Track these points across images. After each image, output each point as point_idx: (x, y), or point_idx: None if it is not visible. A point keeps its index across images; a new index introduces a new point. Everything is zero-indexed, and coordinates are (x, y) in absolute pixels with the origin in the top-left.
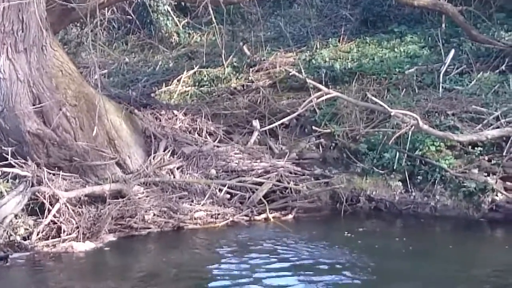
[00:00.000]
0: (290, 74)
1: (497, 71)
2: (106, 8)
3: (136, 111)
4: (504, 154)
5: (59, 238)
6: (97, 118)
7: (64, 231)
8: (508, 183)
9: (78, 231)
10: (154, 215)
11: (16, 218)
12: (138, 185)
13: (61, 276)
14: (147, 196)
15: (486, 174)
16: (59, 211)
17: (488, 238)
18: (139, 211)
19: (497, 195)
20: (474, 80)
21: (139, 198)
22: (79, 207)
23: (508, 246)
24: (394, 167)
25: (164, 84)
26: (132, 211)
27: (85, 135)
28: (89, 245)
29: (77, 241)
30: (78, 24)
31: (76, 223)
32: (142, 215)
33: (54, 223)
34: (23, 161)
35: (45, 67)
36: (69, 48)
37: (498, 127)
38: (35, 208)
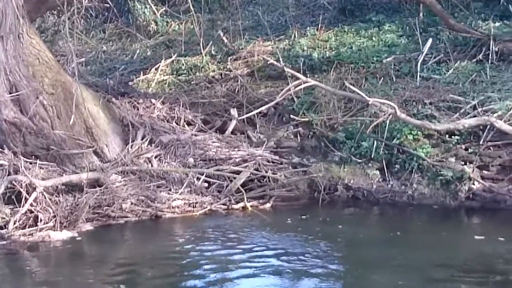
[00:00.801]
0: (268, 62)
1: (474, 60)
2: None
3: (113, 99)
4: (481, 143)
5: (36, 227)
6: (74, 107)
7: (41, 220)
8: (484, 171)
9: (55, 220)
10: (132, 204)
11: None
12: (116, 174)
13: (38, 265)
14: (124, 185)
15: (463, 162)
16: (36, 200)
17: (464, 226)
18: (117, 200)
19: (474, 184)
20: (452, 69)
21: (116, 187)
22: (56, 196)
23: (482, 234)
24: (372, 156)
25: (142, 72)
26: (110, 200)
27: (62, 124)
28: (66, 234)
29: (54, 230)
30: (55, 12)
31: (53, 212)
32: (119, 204)
33: (31, 212)
34: (0, 149)
35: (21, 55)
36: (46, 36)
37: (475, 116)
38: (12, 197)
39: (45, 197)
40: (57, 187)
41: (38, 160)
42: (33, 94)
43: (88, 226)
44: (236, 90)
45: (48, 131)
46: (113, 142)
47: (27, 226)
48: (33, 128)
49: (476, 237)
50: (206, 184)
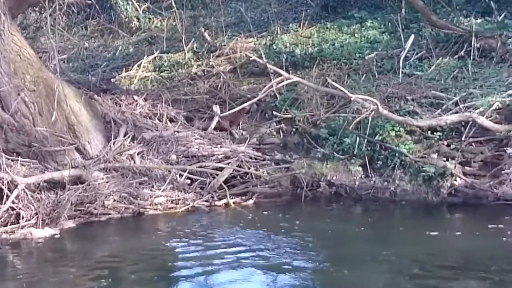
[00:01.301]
0: (251, 59)
1: (456, 56)
2: None
3: (95, 96)
4: (463, 139)
5: (18, 225)
6: (56, 104)
7: (23, 217)
8: (466, 167)
9: (37, 217)
10: (114, 200)
11: None
12: (98, 170)
13: (20, 262)
14: (107, 182)
15: (445, 159)
16: (17, 197)
17: (446, 222)
18: (99, 197)
19: (455, 180)
20: (434, 66)
21: (99, 184)
22: (38, 193)
23: (464, 231)
24: (354, 152)
25: (124, 69)
26: (92, 197)
27: (44, 121)
28: (48, 232)
29: (36, 228)
30: (36, 9)
31: (35, 209)
32: (102, 201)
33: (13, 209)
34: None
35: (3, 52)
36: (28, 32)
37: (457, 112)
38: None
39: (27, 194)
40: (39, 184)
41: (19, 157)
42: (15, 91)
43: (70, 223)
44: (219, 86)
45: (29, 128)
46: (95, 139)
47: (8, 223)
48: (14, 125)
49: (430, 233)
50: (189, 181)
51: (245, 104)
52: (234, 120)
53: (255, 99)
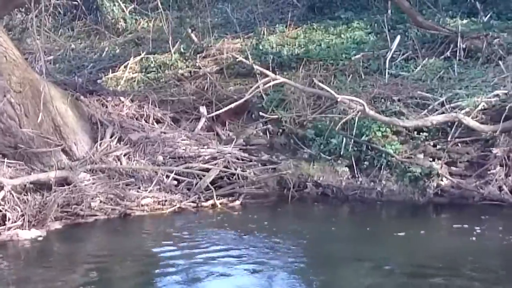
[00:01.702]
0: (237, 60)
1: (442, 57)
2: None
3: (82, 97)
4: (449, 139)
5: (4, 226)
6: (42, 105)
7: (9, 219)
8: (453, 168)
9: (24, 219)
10: (101, 202)
11: None
12: (84, 172)
13: (6, 264)
14: (93, 183)
15: (431, 159)
16: (4, 199)
17: (432, 223)
18: (85, 198)
19: (442, 180)
20: (420, 66)
21: (85, 185)
22: (24, 195)
23: (450, 231)
24: (341, 153)
25: (110, 70)
26: (78, 198)
27: (30, 122)
28: (34, 233)
29: (22, 229)
30: (22, 10)
31: (22, 211)
32: (88, 202)
33: None
34: None
35: None
36: (14, 34)
37: (443, 113)
38: None
39: (13, 196)
40: (25, 185)
41: (5, 158)
42: (0, 92)
43: (57, 225)
44: (205, 87)
45: (15, 129)
46: (81, 140)
47: None
48: (0, 127)
49: (397, 234)
50: (176, 182)
51: (232, 105)
52: (240, 112)
53: (241, 100)
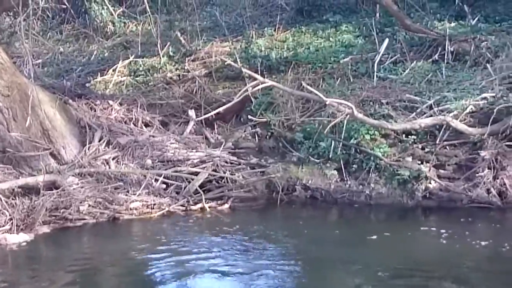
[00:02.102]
0: (226, 63)
1: (430, 60)
2: None
3: (70, 101)
4: (437, 142)
5: None
6: (30, 109)
7: None
8: (441, 170)
9: (12, 223)
10: (89, 206)
11: None
12: (73, 176)
13: None
14: (82, 187)
15: (419, 162)
16: None
17: (421, 226)
18: (74, 202)
19: (430, 183)
20: (408, 69)
21: (73, 189)
22: (12, 199)
23: (437, 233)
24: (330, 156)
25: (99, 74)
26: (67, 202)
27: (19, 126)
28: (23, 237)
29: (10, 233)
30: (11, 13)
31: (10, 215)
32: (77, 206)
33: None
34: None
35: None
36: (2, 37)
37: (431, 116)
38: None
39: (1, 200)
40: (13, 189)
41: None
42: None
43: (45, 229)
44: (194, 91)
45: (4, 133)
46: (70, 144)
47: None
48: None
49: (384, 236)
50: (164, 186)
51: (221, 109)
52: (241, 107)
53: (230, 103)
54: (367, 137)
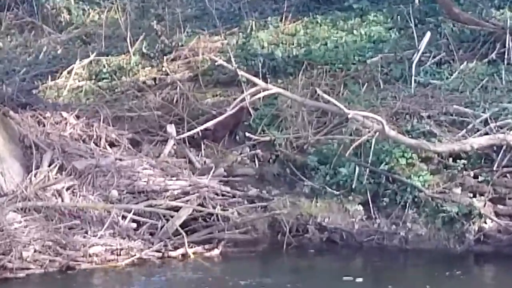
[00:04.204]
0: (217, 64)
1: (486, 60)
2: None
3: (11, 113)
4: (494, 168)
5: None
6: None
7: None
8: (500, 206)
9: None
10: (36, 251)
11: None
12: (14, 211)
13: None
14: (26, 226)
15: (471, 194)
16: None
17: (474, 278)
18: (15, 247)
19: (485, 222)
20: (456, 72)
21: (15, 229)
22: None
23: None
24: (353, 186)
25: (50, 77)
26: (6, 246)
27: None
28: None
29: None
30: None
31: None
32: (19, 252)
33: None
34: None
35: None
36: None
37: (487, 133)
38: None
39: None
40: None
41: None
42: None
43: None
44: (175, 100)
45: None
46: (10, 169)
47: None
48: None
49: (344, 277)
50: (135, 225)
51: (209, 123)
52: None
53: (222, 117)
54: (402, 161)
